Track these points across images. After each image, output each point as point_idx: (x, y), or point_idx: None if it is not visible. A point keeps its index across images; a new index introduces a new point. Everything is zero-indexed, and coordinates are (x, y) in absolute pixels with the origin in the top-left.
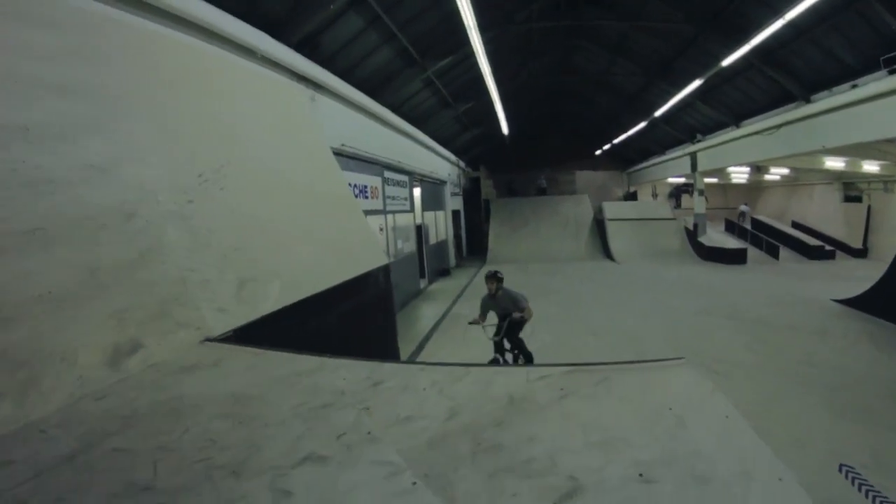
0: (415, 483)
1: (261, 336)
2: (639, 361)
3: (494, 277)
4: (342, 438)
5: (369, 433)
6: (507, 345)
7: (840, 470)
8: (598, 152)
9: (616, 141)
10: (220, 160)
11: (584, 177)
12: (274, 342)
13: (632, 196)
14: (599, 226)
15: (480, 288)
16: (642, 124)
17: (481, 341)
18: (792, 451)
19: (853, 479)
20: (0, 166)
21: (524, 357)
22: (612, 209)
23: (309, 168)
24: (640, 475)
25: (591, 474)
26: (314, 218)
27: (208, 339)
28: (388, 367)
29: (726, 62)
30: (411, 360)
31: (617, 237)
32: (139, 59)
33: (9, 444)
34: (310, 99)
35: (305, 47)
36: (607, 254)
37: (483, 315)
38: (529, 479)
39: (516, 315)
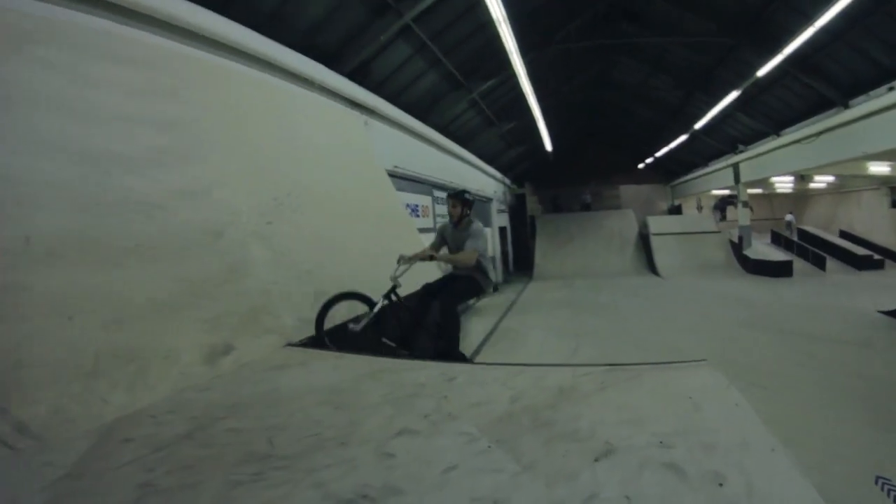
0: (489, 446)
1: (333, 343)
2: (667, 362)
3: (460, 198)
4: (428, 417)
5: (449, 413)
6: (438, 317)
7: (876, 482)
8: (640, 165)
9: (658, 154)
10: (291, 184)
11: (628, 191)
12: (345, 349)
13: (676, 209)
14: (644, 240)
15: (528, 303)
16: (683, 136)
17: (530, 354)
18: (829, 462)
19: (889, 490)
20: (107, 192)
21: (446, 346)
22: (656, 223)
23: (367, 189)
24: (661, 442)
25: (623, 441)
26: (374, 236)
27: (290, 344)
28: (458, 367)
29: (762, 71)
30: (476, 362)
31: (661, 252)
32: (218, 94)
33: (125, 426)
34: (363, 124)
35: (357, 75)
36: (652, 269)
37: (436, 248)
38: (576, 443)
39: (426, 254)
